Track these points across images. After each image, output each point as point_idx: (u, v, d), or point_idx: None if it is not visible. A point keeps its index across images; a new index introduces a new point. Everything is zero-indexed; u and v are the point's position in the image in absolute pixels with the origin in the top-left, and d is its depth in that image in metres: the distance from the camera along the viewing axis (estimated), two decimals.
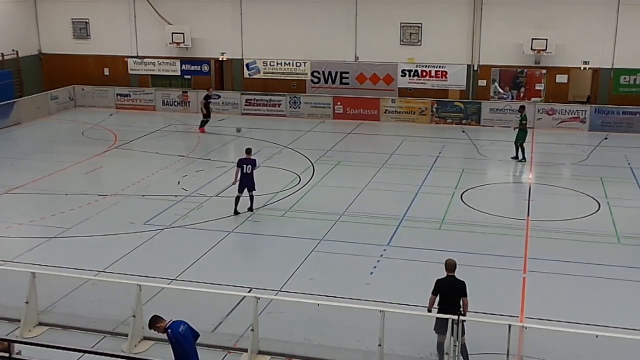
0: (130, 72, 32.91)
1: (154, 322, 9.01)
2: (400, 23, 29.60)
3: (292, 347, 11.12)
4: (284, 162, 22.77)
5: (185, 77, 32.38)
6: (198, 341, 9.16)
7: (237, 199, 17.49)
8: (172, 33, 31.29)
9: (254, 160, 17.74)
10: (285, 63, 31.04)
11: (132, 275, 13.45)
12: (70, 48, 33.41)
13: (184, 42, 31.24)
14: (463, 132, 27.38)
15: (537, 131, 27.03)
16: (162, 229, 16.62)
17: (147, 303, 11.41)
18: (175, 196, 19.07)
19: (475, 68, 29.27)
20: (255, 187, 17.57)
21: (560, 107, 28.05)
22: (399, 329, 10.99)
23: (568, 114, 27.92)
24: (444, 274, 10.50)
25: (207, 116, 27.46)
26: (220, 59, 31.87)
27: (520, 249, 15.31)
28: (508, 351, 9.84)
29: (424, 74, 29.68)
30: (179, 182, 20.49)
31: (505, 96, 29.25)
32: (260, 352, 10.91)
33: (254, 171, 17.51)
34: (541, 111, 28.00)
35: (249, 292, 12.58)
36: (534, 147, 24.79)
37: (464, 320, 10.08)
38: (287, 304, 12.18)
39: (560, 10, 27.99)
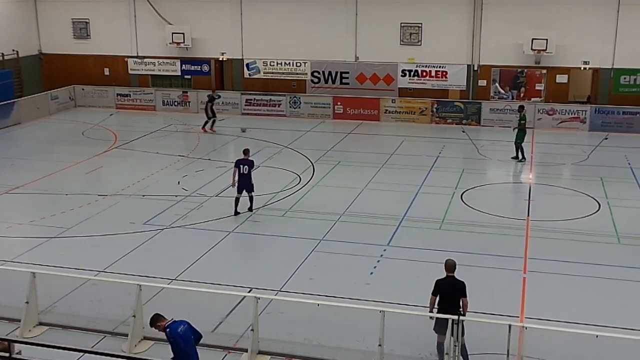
0: (130, 72, 32.92)
1: (155, 320, 9.03)
2: (401, 23, 29.60)
3: (292, 347, 11.12)
4: (284, 162, 22.78)
5: (186, 77, 32.38)
6: None
7: (237, 200, 17.50)
8: (172, 33, 31.31)
9: (252, 161, 17.74)
10: (285, 63, 31.04)
11: (132, 275, 13.46)
12: (71, 48, 33.43)
13: (184, 42, 31.25)
14: (463, 132, 27.37)
15: (537, 131, 27.03)
16: (162, 229, 16.63)
17: (147, 303, 11.41)
18: (176, 196, 19.08)
19: (476, 68, 29.26)
20: (254, 188, 17.58)
21: (560, 107, 28.05)
22: (399, 329, 10.99)
23: (568, 114, 27.91)
24: (443, 274, 10.50)
25: (212, 116, 27.44)
26: (221, 59, 31.87)
27: (520, 249, 15.30)
28: (508, 351, 9.85)
29: (424, 74, 29.67)
30: (179, 182, 20.50)
31: (505, 96, 29.23)
32: (260, 352, 10.92)
33: (252, 172, 17.51)
34: (541, 111, 28.00)
35: (249, 292, 12.58)
36: (534, 147, 24.79)
37: (464, 320, 10.08)
38: (287, 304, 12.18)
39: (560, 10, 27.99)
